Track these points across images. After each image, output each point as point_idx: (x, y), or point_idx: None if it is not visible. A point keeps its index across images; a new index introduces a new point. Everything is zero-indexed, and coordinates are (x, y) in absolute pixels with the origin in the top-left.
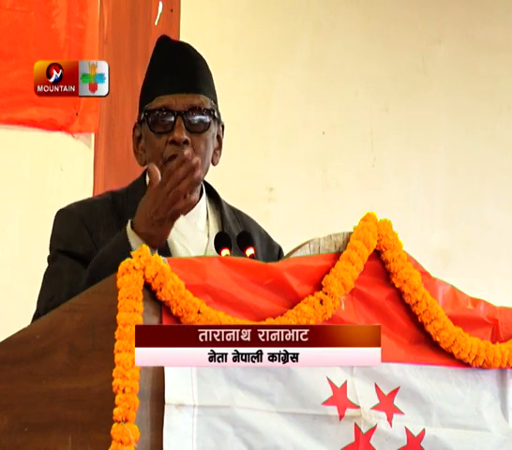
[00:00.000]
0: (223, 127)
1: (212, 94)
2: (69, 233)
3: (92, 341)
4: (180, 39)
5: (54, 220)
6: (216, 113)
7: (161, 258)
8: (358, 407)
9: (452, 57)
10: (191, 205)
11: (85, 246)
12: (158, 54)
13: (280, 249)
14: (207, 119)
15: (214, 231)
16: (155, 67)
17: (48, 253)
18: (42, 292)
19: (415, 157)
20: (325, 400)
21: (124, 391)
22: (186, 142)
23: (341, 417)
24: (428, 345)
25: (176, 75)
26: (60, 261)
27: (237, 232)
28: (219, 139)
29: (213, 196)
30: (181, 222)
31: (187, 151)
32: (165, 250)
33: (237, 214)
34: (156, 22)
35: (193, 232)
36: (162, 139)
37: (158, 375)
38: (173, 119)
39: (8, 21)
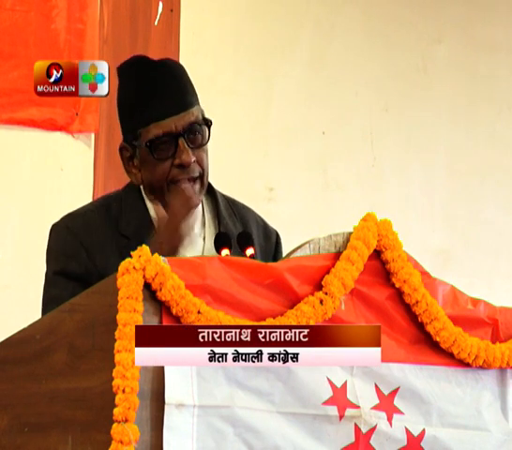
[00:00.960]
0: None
1: (197, 99)
2: (65, 252)
3: (92, 341)
4: (180, 39)
5: (49, 236)
6: (207, 120)
7: (161, 258)
8: (358, 407)
9: (452, 57)
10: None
11: (81, 265)
12: (140, 76)
13: (277, 235)
14: (206, 131)
15: (210, 232)
16: (141, 90)
17: (46, 255)
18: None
19: (415, 157)
20: (325, 400)
21: (124, 391)
22: (193, 162)
23: (341, 417)
24: (428, 345)
25: (168, 98)
26: (58, 285)
27: (234, 228)
28: None
29: (209, 191)
30: None
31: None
32: None
33: (233, 205)
34: (156, 22)
35: (189, 238)
36: (166, 163)
37: (158, 375)
38: (175, 143)
39: (8, 21)
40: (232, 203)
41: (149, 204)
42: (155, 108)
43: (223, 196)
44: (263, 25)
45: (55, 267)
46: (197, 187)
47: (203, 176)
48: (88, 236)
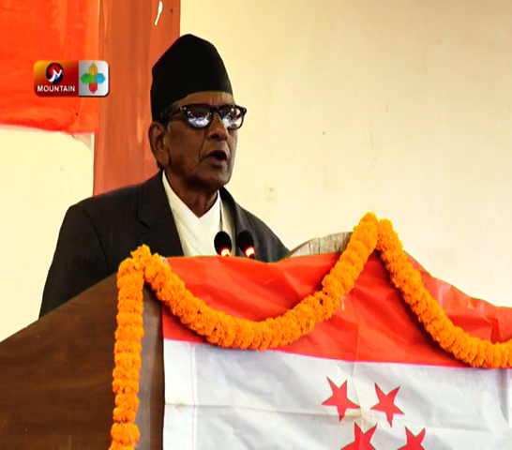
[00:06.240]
0: None
1: (232, 91)
2: (78, 238)
3: (92, 341)
4: None
5: (65, 218)
6: (243, 108)
7: (161, 258)
8: (358, 407)
9: (452, 57)
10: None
11: (92, 251)
12: (184, 52)
13: None
14: (239, 117)
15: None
16: (182, 63)
17: (49, 251)
18: (45, 297)
19: (415, 157)
20: (325, 400)
21: (124, 391)
22: (226, 137)
23: (341, 417)
24: (428, 345)
25: (208, 73)
26: (64, 268)
27: None
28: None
29: (227, 199)
30: (195, 225)
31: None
32: (178, 252)
33: (250, 218)
34: (156, 22)
35: (206, 236)
36: (200, 135)
37: (158, 375)
38: (210, 115)
39: (8, 21)
40: (249, 216)
41: (170, 196)
42: (194, 80)
43: (242, 208)
44: (263, 25)
45: (65, 250)
46: (224, 164)
47: (229, 159)
48: (104, 223)
